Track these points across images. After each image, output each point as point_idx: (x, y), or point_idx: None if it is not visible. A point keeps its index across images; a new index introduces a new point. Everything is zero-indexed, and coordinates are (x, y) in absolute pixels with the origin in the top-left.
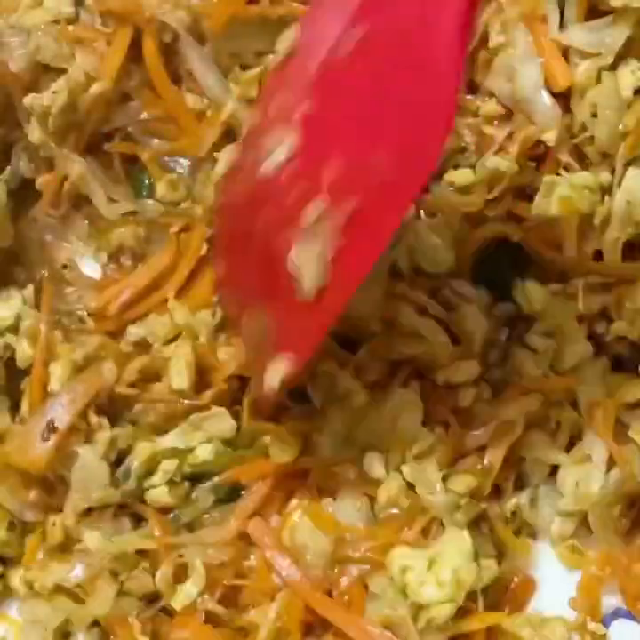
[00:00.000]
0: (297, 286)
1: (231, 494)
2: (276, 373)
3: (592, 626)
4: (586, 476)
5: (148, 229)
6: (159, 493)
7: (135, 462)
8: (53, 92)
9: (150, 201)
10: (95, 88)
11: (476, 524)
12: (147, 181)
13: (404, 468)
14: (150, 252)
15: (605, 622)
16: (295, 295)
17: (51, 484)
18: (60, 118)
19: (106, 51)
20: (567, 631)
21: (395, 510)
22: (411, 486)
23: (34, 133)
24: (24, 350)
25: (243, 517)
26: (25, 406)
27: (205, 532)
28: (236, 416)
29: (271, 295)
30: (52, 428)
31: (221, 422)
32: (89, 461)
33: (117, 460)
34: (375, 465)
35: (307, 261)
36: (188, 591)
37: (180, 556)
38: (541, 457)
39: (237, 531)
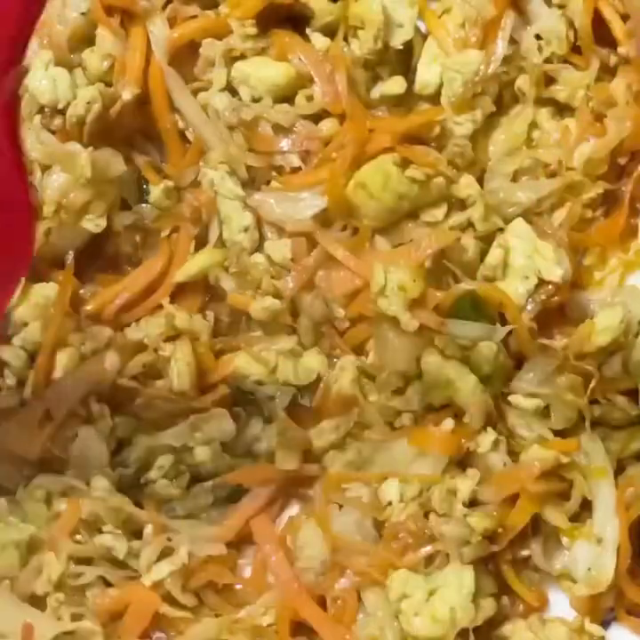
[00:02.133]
0: None
1: (232, 496)
2: None
3: (591, 627)
4: (598, 561)
5: (143, 234)
6: (159, 485)
7: (133, 454)
8: (88, 103)
9: (147, 206)
10: (127, 94)
11: (482, 560)
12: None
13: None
14: (146, 256)
15: (605, 623)
16: None
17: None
18: (94, 126)
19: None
20: (568, 632)
21: (401, 534)
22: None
23: None
24: (33, 332)
25: (240, 519)
26: (28, 391)
27: (200, 527)
28: (236, 418)
29: None
30: (49, 417)
31: (221, 424)
32: (89, 440)
33: (116, 450)
34: (391, 492)
35: None
36: (160, 569)
37: (169, 539)
38: (553, 522)
39: (234, 530)
